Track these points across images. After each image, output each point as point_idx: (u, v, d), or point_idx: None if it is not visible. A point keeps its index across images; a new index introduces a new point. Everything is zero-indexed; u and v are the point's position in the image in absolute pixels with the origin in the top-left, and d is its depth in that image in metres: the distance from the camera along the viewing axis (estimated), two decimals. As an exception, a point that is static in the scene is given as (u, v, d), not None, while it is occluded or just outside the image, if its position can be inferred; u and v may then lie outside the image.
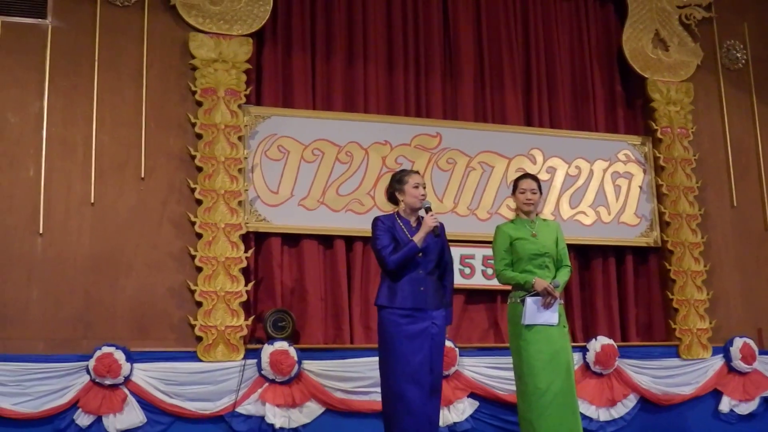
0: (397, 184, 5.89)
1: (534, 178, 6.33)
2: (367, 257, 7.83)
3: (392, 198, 5.95)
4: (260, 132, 7.65)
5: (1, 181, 6.99)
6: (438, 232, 5.74)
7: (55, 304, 6.97)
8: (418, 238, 5.68)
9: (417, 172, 6.05)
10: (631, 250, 8.76)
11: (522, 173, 6.65)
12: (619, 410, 8.03)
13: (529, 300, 5.98)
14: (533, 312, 5.98)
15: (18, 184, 7.03)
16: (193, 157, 7.38)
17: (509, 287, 6.28)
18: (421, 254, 5.70)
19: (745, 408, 8.45)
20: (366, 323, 7.76)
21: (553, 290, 5.97)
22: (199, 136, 7.42)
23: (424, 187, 5.88)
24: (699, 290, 8.63)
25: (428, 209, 5.77)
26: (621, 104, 9.07)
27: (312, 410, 7.17)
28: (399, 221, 5.81)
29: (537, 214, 6.33)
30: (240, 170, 7.44)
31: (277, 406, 7.03)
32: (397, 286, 5.67)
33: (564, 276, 6.18)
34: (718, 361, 8.49)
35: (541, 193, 6.31)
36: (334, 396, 7.22)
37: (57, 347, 6.87)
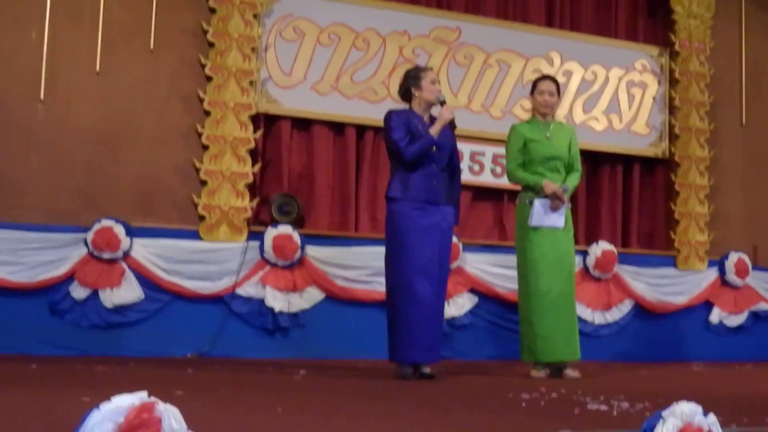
0: (413, 80, 5.10)
1: (554, 80, 5.55)
2: (377, 147, 6.85)
3: (406, 94, 5.13)
4: (276, 11, 6.55)
5: (1, 41, 5.87)
6: (455, 124, 5.07)
7: (56, 174, 5.98)
8: (434, 131, 4.97)
9: (431, 69, 5.30)
10: (639, 159, 7.82)
11: (541, 75, 5.80)
12: (614, 315, 7.29)
13: (537, 202, 5.29)
14: (540, 214, 5.31)
15: (20, 46, 5.93)
16: (206, 33, 6.31)
17: (518, 187, 5.59)
18: (435, 149, 4.96)
19: (735, 320, 7.74)
20: (372, 213, 6.85)
21: (562, 194, 5.30)
22: (213, 11, 6.33)
23: (440, 83, 5.21)
24: (701, 204, 7.77)
25: (443, 102, 5.03)
26: (643, 13, 7.97)
27: (312, 296, 6.33)
28: (413, 116, 5.04)
29: (553, 117, 5.54)
30: (253, 49, 6.38)
31: (278, 290, 6.17)
32: (410, 179, 4.98)
33: (574, 181, 5.47)
34: (713, 274, 7.72)
35: (559, 96, 5.56)
36: (336, 283, 6.37)
37: (56, 218, 5.92)
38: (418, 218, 4.91)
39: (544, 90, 5.44)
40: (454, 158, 5.15)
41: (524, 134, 5.42)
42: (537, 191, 5.31)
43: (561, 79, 7.26)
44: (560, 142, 5.44)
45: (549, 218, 5.28)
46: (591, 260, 7.10)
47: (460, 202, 5.25)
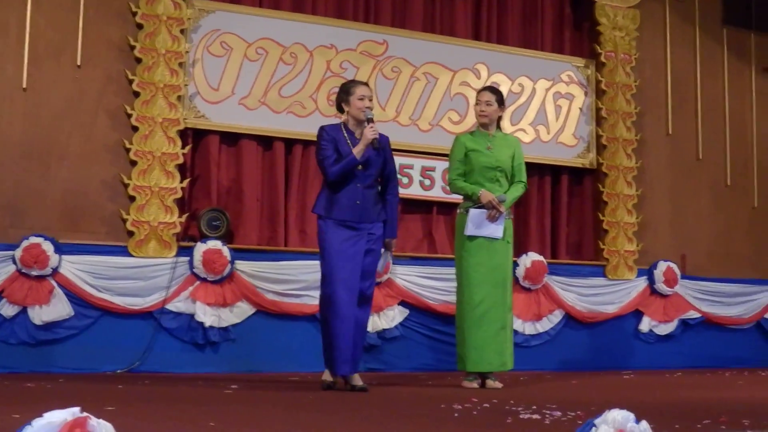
0: (344, 94, 5.44)
1: (493, 90, 5.97)
2: (306, 161, 7.40)
3: (339, 107, 5.52)
4: (203, 26, 7.08)
5: (-73, 58, 6.33)
6: (377, 145, 5.34)
7: (-18, 191, 6.41)
8: (357, 151, 5.29)
9: (365, 84, 5.61)
10: (567, 170, 8.51)
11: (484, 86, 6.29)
12: (545, 325, 7.93)
13: (473, 211, 5.72)
14: (476, 223, 5.70)
15: (-55, 62, 6.38)
16: (133, 48, 6.80)
17: (449, 199, 6.35)
18: (360, 167, 5.33)
19: (664, 329, 8.44)
20: (301, 227, 7.38)
21: (498, 204, 5.67)
22: (139, 27, 6.83)
23: (371, 100, 5.43)
24: (629, 213, 8.49)
25: (369, 120, 5.33)
26: (568, 26, 8.70)
27: (243, 310, 6.84)
28: (344, 132, 5.39)
29: (498, 128, 5.97)
30: (181, 64, 6.89)
31: (208, 305, 6.66)
32: (334, 197, 5.34)
33: (515, 192, 5.86)
34: (642, 283, 8.42)
35: (501, 106, 5.91)
36: (266, 297, 6.89)
37: (-17, 235, 6.35)
38: (341, 234, 5.26)
39: (481, 100, 5.83)
40: (386, 170, 5.46)
41: (466, 144, 5.81)
42: (475, 201, 5.70)
43: (488, 92, 7.99)
44: (502, 153, 5.79)
45: (486, 228, 5.67)
46: (521, 271, 7.69)
47: (396, 216, 5.60)
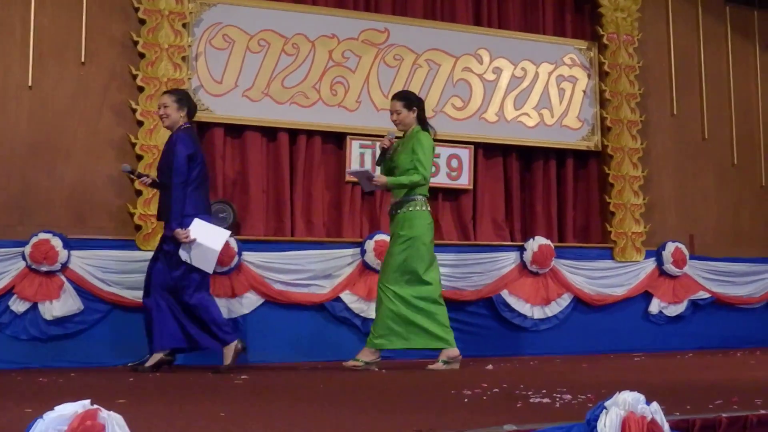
0: None
1: (397, 97, 6.35)
2: (310, 151, 7.61)
3: None
4: (205, 20, 7.28)
5: (-67, 58, 6.55)
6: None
7: (-9, 189, 6.64)
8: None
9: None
10: (572, 153, 8.66)
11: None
12: (553, 309, 8.07)
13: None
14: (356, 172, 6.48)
15: (-49, 63, 6.60)
16: (136, 43, 7.01)
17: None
18: None
19: (674, 310, 8.56)
20: (308, 217, 7.58)
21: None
22: (142, 22, 7.03)
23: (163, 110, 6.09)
24: (636, 195, 8.61)
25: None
26: (569, 8, 8.83)
27: (251, 301, 7.05)
28: None
29: (419, 125, 6.31)
30: (183, 58, 7.10)
31: (217, 296, 6.75)
32: None
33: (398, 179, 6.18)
34: (650, 265, 8.54)
35: (409, 109, 6.24)
36: (274, 287, 7.09)
37: (-8, 233, 6.57)
38: None
39: (391, 111, 6.30)
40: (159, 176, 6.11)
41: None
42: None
43: (491, 76, 8.19)
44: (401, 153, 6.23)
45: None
46: (528, 255, 7.88)
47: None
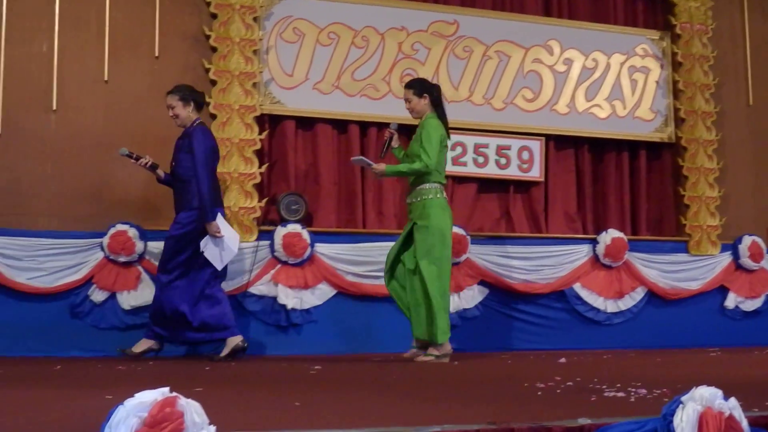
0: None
1: (407, 86, 6.33)
2: (380, 143, 7.54)
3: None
4: (276, 13, 7.38)
5: (13, 55, 6.73)
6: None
7: (69, 181, 6.81)
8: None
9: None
10: (645, 145, 8.58)
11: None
12: (627, 302, 8.01)
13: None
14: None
15: (31, 59, 6.78)
16: (208, 37, 7.13)
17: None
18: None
19: (751, 305, 8.44)
20: (379, 208, 7.64)
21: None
22: (213, 16, 7.16)
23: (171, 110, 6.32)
24: (711, 187, 8.52)
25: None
26: (641, -2, 8.75)
27: (324, 292, 7.12)
28: None
29: (433, 111, 6.28)
30: (255, 52, 7.20)
31: (290, 288, 6.97)
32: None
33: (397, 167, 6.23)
34: (726, 258, 8.43)
35: (419, 97, 6.23)
36: (346, 279, 7.16)
37: (71, 224, 6.73)
38: None
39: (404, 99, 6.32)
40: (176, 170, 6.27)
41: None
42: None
43: (562, 68, 8.15)
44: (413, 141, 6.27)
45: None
46: (601, 248, 7.84)
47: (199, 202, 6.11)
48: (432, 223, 6.02)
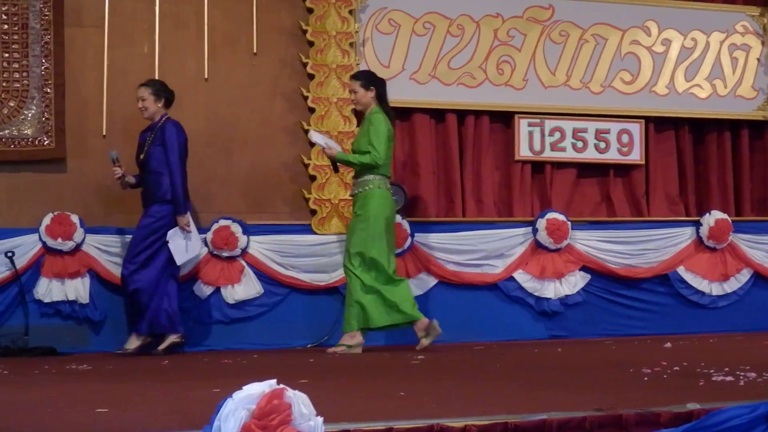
0: None
1: (354, 77, 6.59)
2: (478, 131, 7.66)
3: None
4: (371, 5, 7.40)
5: (115, 57, 6.88)
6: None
7: (174, 180, 6.92)
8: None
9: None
10: (747, 124, 8.39)
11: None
12: (732, 285, 7.88)
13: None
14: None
15: (132, 60, 6.92)
16: (305, 32, 7.19)
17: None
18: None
19: None
20: (478, 197, 7.63)
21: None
22: (309, 11, 7.21)
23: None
24: None
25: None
26: (739, -27, 8.54)
27: (425, 282, 7.15)
28: None
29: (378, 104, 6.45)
30: (351, 44, 7.25)
31: None
32: None
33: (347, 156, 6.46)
34: None
35: (366, 89, 6.42)
36: (447, 268, 7.18)
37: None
38: None
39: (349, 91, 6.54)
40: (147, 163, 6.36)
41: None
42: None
43: (660, 48, 8.05)
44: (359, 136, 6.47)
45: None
46: (704, 230, 7.72)
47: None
48: (370, 213, 6.23)
